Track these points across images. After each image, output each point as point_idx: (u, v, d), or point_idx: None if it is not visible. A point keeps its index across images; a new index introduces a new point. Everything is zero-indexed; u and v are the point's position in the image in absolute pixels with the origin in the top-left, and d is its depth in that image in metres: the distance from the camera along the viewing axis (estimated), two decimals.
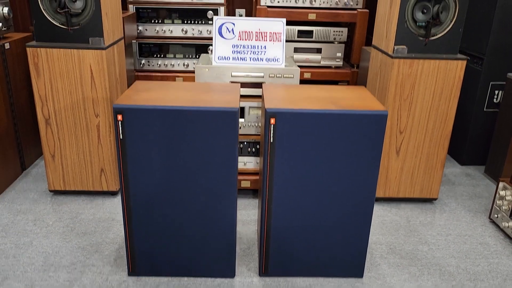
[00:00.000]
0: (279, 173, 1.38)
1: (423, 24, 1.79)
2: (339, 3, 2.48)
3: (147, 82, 1.57)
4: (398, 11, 1.77)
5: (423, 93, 1.85)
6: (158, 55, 2.56)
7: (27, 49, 1.76)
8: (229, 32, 1.87)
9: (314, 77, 2.60)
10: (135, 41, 2.51)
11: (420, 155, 1.95)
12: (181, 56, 2.57)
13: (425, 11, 1.76)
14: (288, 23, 2.53)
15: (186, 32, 2.52)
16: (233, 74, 1.87)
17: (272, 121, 1.32)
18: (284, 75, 1.88)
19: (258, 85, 1.89)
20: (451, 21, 1.79)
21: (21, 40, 2.16)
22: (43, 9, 1.75)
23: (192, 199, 1.40)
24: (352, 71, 2.59)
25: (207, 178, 1.38)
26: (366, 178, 1.39)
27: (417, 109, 1.87)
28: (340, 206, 1.43)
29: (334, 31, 2.55)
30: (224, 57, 1.87)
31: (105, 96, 1.83)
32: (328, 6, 2.50)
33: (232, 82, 1.88)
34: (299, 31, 2.54)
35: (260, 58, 1.88)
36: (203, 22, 2.51)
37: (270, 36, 1.88)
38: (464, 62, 1.81)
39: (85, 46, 1.77)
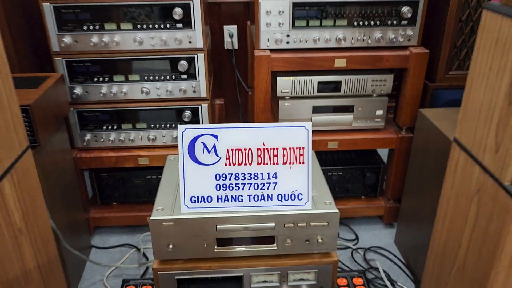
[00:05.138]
0: None
1: None
2: (381, 39, 1.60)
3: None
4: None
5: None
6: (110, 127, 1.70)
7: None
8: (209, 152, 1.02)
9: (343, 147, 1.75)
10: (72, 109, 1.65)
11: None
12: (144, 126, 1.71)
13: None
14: (304, 72, 1.66)
15: (147, 92, 1.65)
16: (219, 227, 1.03)
17: None
18: (312, 223, 1.05)
19: (266, 239, 1.07)
20: None
21: None
22: None
23: None
24: (400, 137, 1.74)
25: None
26: None
27: None
28: None
29: (373, 80, 1.68)
30: (202, 198, 1.03)
31: None
32: (365, 45, 1.61)
33: (218, 239, 1.05)
34: (320, 83, 1.67)
35: (268, 196, 1.04)
36: (173, 77, 1.64)
37: (285, 155, 1.03)
38: None
39: None
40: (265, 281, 1.11)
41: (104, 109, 1.67)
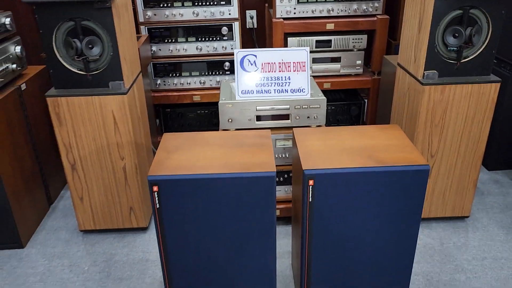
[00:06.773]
0: (318, 232, 1.36)
1: (455, 48, 1.71)
2: (357, 10, 2.38)
3: (175, 136, 1.53)
4: (428, 37, 1.69)
5: (455, 118, 1.79)
6: (174, 74, 2.50)
7: (47, 99, 1.71)
8: (251, 64, 1.80)
9: (334, 87, 2.53)
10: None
11: (452, 177, 1.92)
12: (197, 73, 2.50)
13: (457, 35, 1.68)
14: (305, 34, 2.44)
15: (200, 49, 2.44)
16: (258, 108, 1.81)
17: (311, 182, 1.29)
18: (311, 106, 1.83)
19: (284, 116, 1.84)
20: (484, 43, 1.71)
21: (37, 77, 2.11)
22: (60, 56, 1.69)
23: (230, 263, 1.40)
24: (373, 79, 2.51)
25: (244, 245, 1.36)
26: (406, 233, 1.37)
27: (449, 134, 1.82)
28: (381, 260, 1.41)
29: (353, 39, 2.45)
30: (248, 90, 1.82)
31: (129, 139, 1.80)
32: (346, 14, 2.39)
33: (257, 116, 1.83)
34: (317, 41, 2.45)
35: (285, 90, 1.82)
36: (218, 38, 2.43)
37: (294, 66, 1.81)
38: (498, 85, 1.74)
39: (105, 91, 1.72)
40: (284, 144, 1.88)
41: (170, 62, 2.46)
